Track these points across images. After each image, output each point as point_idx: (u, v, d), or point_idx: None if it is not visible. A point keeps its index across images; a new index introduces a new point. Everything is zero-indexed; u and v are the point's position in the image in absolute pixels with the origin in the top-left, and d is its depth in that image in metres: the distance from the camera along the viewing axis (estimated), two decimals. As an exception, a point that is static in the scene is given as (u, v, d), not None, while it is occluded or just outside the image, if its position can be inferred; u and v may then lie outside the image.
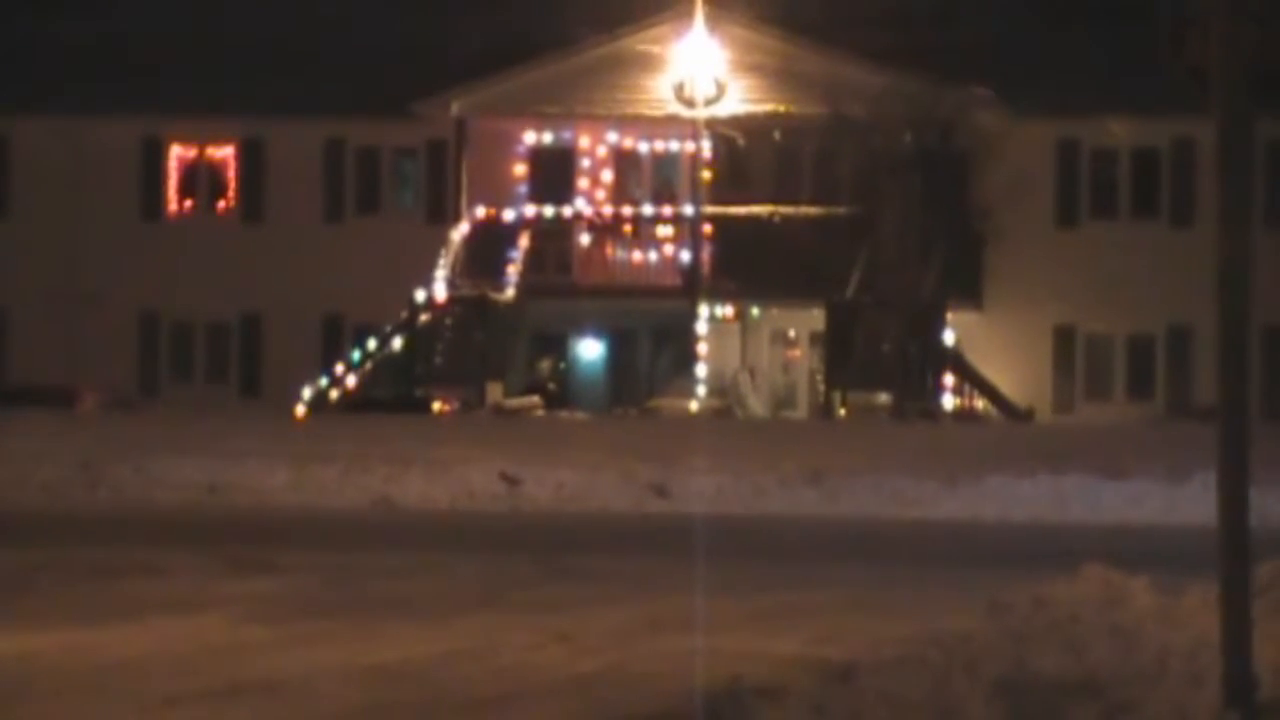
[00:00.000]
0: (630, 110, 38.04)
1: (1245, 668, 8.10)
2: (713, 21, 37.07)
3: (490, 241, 37.50)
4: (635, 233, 37.94)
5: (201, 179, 39.73)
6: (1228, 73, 8.17)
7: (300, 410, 35.44)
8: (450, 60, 37.64)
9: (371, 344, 36.80)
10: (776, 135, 38.10)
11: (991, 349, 36.91)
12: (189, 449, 23.45)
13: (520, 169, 38.82)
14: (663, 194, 38.74)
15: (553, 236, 37.80)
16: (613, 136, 38.74)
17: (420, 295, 36.69)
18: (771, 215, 37.17)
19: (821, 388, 37.05)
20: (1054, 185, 37.64)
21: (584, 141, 38.85)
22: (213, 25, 40.08)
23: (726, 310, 37.74)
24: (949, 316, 36.12)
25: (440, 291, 36.91)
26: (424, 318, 36.89)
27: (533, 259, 37.51)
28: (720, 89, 37.59)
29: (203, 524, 18.54)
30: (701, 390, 36.31)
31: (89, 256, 38.86)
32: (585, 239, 37.93)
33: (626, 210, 38.10)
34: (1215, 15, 8.18)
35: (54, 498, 21.32)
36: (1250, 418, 8.35)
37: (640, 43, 37.83)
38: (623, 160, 39.01)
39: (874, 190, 36.27)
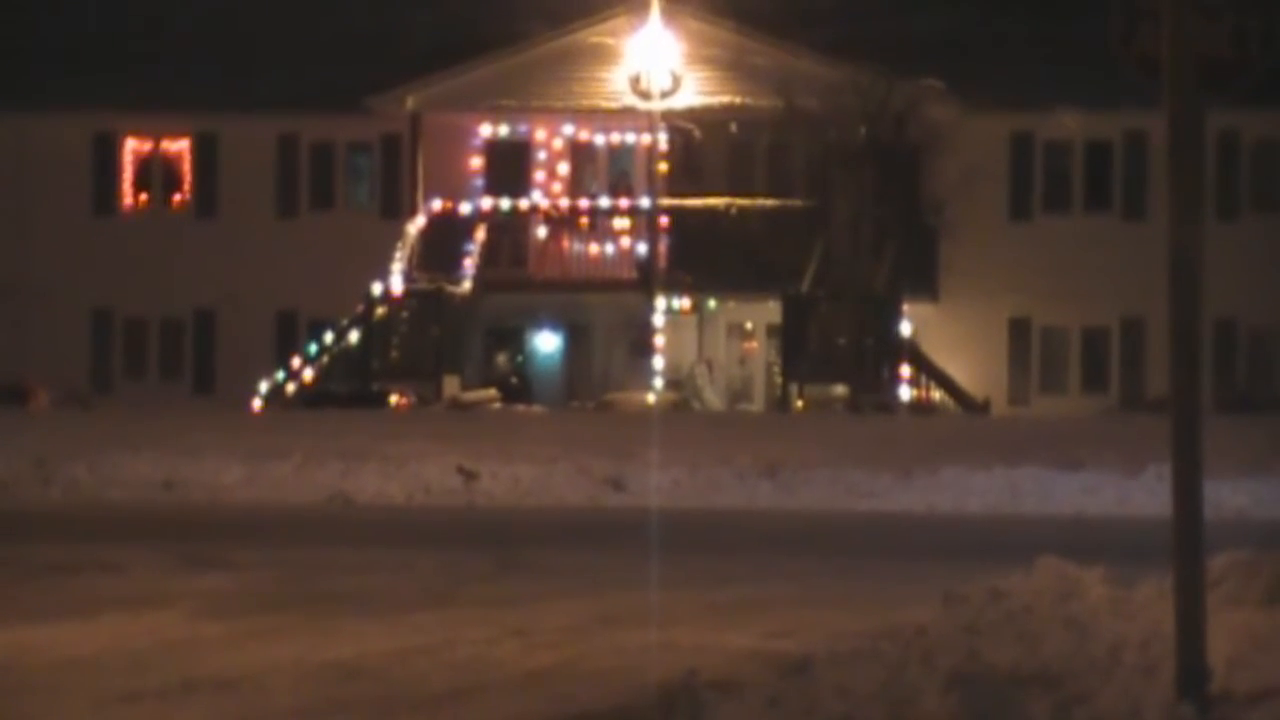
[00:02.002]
0: (586, 103, 38.00)
1: (1199, 660, 8.13)
2: (667, 14, 37.07)
3: (446, 235, 37.42)
4: (591, 225, 37.90)
5: (155, 174, 39.58)
6: (1178, 65, 8.20)
7: (256, 405, 35.33)
8: (404, 54, 37.56)
9: (328, 338, 36.70)
10: (732, 128, 38.11)
11: (947, 341, 36.97)
12: (143, 445, 23.35)
13: (476, 162, 38.76)
14: (619, 186, 38.72)
15: (509, 230, 37.74)
16: (568, 129, 38.71)
17: (376, 289, 36.60)
18: (727, 207, 37.17)
19: (778, 380, 37.09)
20: (1007, 178, 37.73)
21: (540, 134, 38.81)
22: (165, 20, 39.94)
23: (683, 303, 37.75)
24: (905, 309, 36.16)
25: (396, 285, 36.83)
26: (380, 311, 36.79)
27: (489, 252, 37.45)
28: (675, 81, 37.58)
29: (157, 521, 18.47)
30: (658, 383, 36.30)
31: (40, 252, 38.67)
32: (541, 232, 37.88)
33: (583, 203, 38.07)
34: (1165, 8, 8.21)
35: (6, 495, 21.22)
36: (1202, 410, 8.39)
37: (595, 35, 37.80)
38: (579, 153, 38.97)
39: (828, 183, 36.32)
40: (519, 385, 37.71)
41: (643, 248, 37.29)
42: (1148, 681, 8.53)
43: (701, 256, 36.69)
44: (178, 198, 39.58)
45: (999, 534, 17.50)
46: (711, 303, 38.26)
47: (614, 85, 37.84)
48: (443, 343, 36.85)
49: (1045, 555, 11.78)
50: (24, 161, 38.89)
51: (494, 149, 38.82)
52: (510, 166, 38.53)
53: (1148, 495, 19.41)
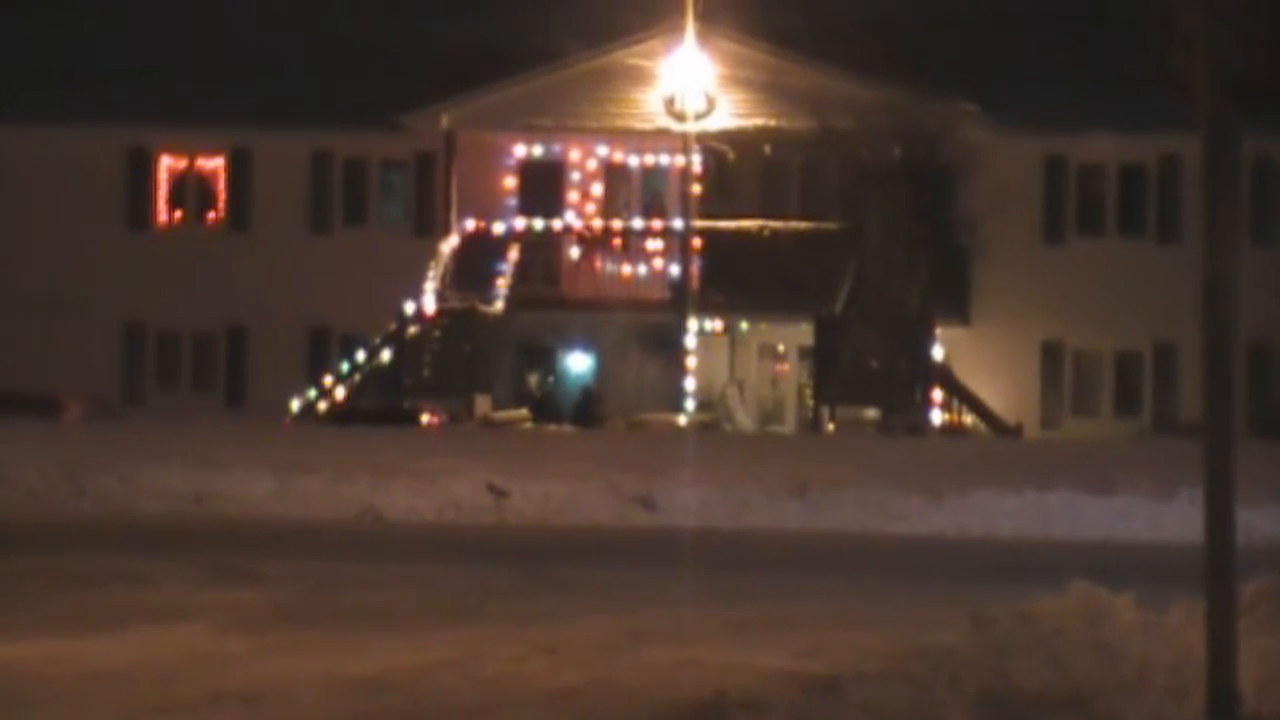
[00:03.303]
0: (620, 124, 38.02)
1: (1230, 683, 8.10)
2: (702, 36, 37.07)
3: (479, 254, 37.44)
4: (624, 246, 37.91)
5: (189, 189, 39.70)
6: (1214, 89, 8.17)
7: (288, 420, 35.39)
8: (439, 72, 37.60)
9: (360, 355, 36.75)
10: (765, 149, 38.10)
11: (979, 364, 36.88)
12: (174, 458, 23.36)
13: (510, 182, 38.79)
14: (652, 208, 38.72)
15: (542, 249, 37.77)
16: (602, 150, 38.73)
17: (409, 307, 36.65)
18: (760, 229, 37.15)
19: (810, 402, 37.03)
20: (1041, 201, 37.67)
21: (574, 155, 38.83)
22: (201, 37, 40.07)
23: (715, 324, 37.72)
24: (937, 331, 36.10)
25: (429, 304, 36.87)
26: (412, 330, 36.84)
27: (521, 272, 37.47)
28: (710, 103, 37.57)
29: (187, 533, 18.49)
30: (690, 404, 36.27)
31: (73, 266, 38.80)
32: (574, 252, 37.90)
33: (616, 224, 38.08)
34: (1202, 32, 8.19)
35: (39, 506, 21.25)
36: (1236, 435, 8.35)
37: (630, 57, 37.81)
38: (612, 174, 38.99)
39: (861, 204, 36.27)
40: (550, 402, 37.71)
41: (675, 269, 37.28)
42: (1178, 705, 8.50)
43: (734, 278, 36.66)
44: (211, 213, 39.68)
45: (1029, 557, 17.43)
46: (744, 324, 38.23)
47: (648, 106, 37.85)
48: (474, 361, 36.88)
49: (1076, 579, 11.74)
50: (59, 176, 39.03)
51: (528, 169, 38.85)
52: (544, 186, 38.55)
53: (1180, 520, 19.30)
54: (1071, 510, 21.31)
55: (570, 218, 38.25)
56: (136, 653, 10.38)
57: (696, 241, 37.21)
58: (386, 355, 36.80)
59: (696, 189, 37.61)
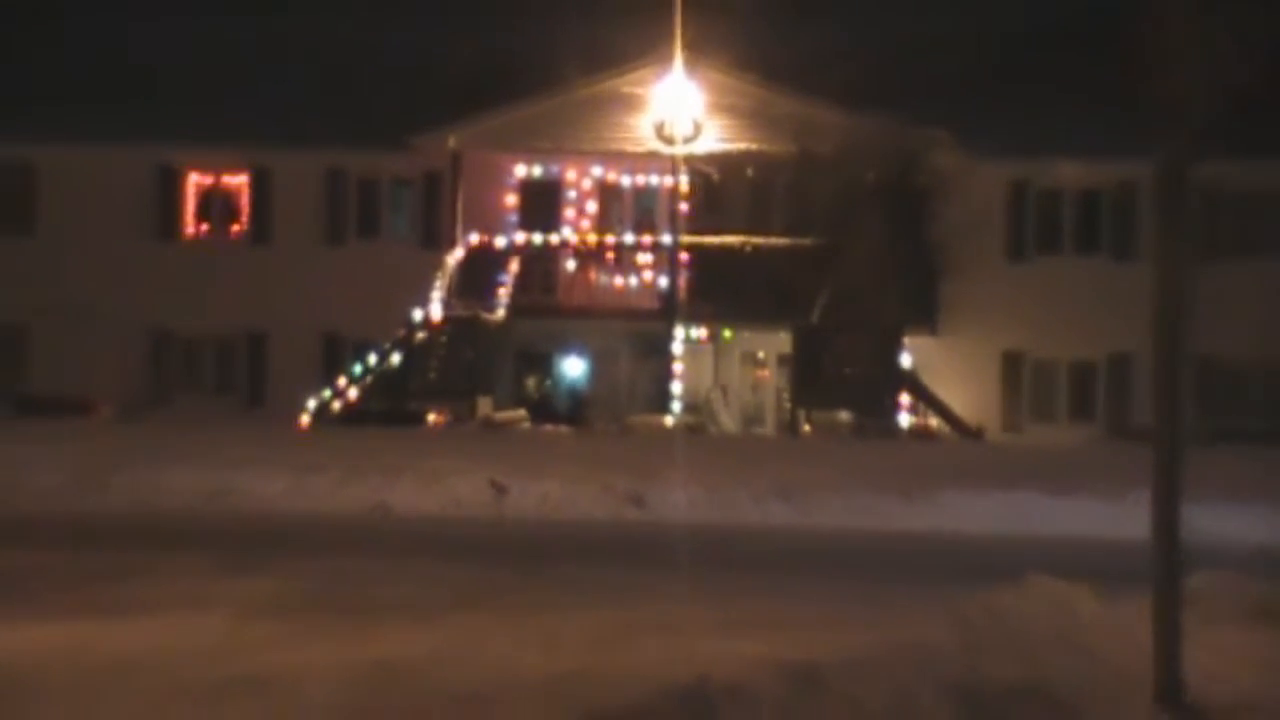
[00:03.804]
0: (614, 146, 38.00)
1: (1176, 673, 8.06)
2: (691, 66, 37.05)
3: (482, 266, 37.43)
4: (617, 259, 37.87)
5: (214, 205, 39.64)
6: (1180, 114, 8.12)
7: (304, 421, 35.33)
8: (447, 97, 37.66)
9: (371, 359, 36.71)
10: (749, 171, 38.08)
11: (945, 372, 36.89)
12: (193, 457, 23.30)
13: (511, 199, 38.78)
14: (643, 224, 38.70)
15: (540, 261, 37.73)
16: (597, 170, 38.73)
17: (417, 315, 36.62)
18: (744, 245, 37.13)
19: (788, 406, 36.99)
20: (1005, 222, 37.68)
21: (570, 174, 38.83)
22: (226, 62, 40.14)
23: (701, 332, 37.69)
24: (906, 341, 36.10)
25: (436, 311, 36.83)
26: (420, 336, 36.80)
27: (521, 282, 37.44)
28: (697, 128, 37.56)
29: (205, 528, 18.42)
30: (677, 407, 36.23)
31: (104, 276, 38.76)
32: (570, 264, 37.85)
33: (609, 239, 38.05)
34: (1172, 61, 8.14)
35: (67, 501, 21.19)
36: (1184, 441, 8.30)
37: (624, 84, 37.81)
38: (606, 192, 38.97)
39: (839, 223, 36.24)
40: (547, 405, 37.68)
41: (664, 281, 37.24)
42: (1131, 693, 8.45)
43: (719, 290, 36.64)
44: (234, 226, 39.64)
45: (995, 553, 17.39)
46: (727, 333, 38.19)
47: (640, 131, 37.82)
48: (477, 365, 36.83)
49: (1038, 574, 11.69)
50: (91, 191, 39.00)
51: (528, 187, 38.84)
52: (543, 203, 38.55)
53: (1131, 519, 19.23)
54: (1033, 510, 21.29)
55: (567, 233, 38.22)
56: (158, 640, 10.31)
57: (684, 256, 37.18)
58: (396, 359, 36.74)
59: (684, 207, 37.58)
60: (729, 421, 37.58)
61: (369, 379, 36.63)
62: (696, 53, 36.99)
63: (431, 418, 35.73)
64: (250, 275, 38.61)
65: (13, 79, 39.81)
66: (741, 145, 37.67)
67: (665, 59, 37.12)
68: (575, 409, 37.71)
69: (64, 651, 9.94)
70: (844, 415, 35.91)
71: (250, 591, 12.76)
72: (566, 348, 38.81)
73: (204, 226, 39.66)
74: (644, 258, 37.82)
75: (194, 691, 8.75)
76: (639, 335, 37.61)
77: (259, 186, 39.33)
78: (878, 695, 8.34)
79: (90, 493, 21.66)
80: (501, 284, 37.35)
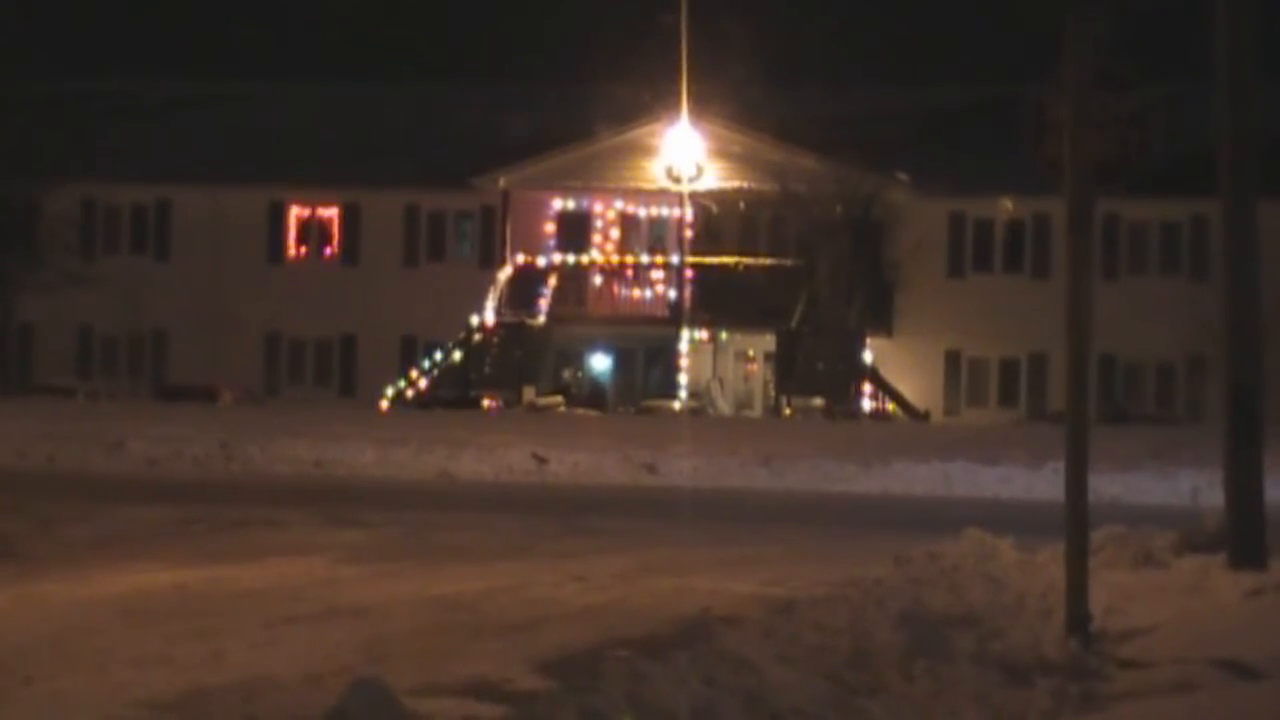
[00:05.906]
0: (632, 185, 38.17)
1: (1083, 607, 8.14)
2: (694, 120, 37.26)
3: (527, 281, 37.62)
4: (635, 276, 38.03)
5: (313, 233, 39.81)
6: (1075, 165, 8.21)
7: (384, 405, 35.49)
8: (499, 147, 37.89)
9: (438, 356, 36.87)
10: (741, 205, 38.19)
11: (899, 366, 37.00)
12: (300, 434, 23.39)
13: (550, 227, 38.92)
14: (656, 247, 38.83)
15: (573, 278, 37.89)
16: (619, 204, 38.86)
17: (475, 320, 36.80)
18: (737, 265, 37.29)
19: (772, 393, 37.11)
20: (946, 246, 37.75)
21: (598, 207, 38.94)
22: (327, 122, 40.36)
23: (702, 335, 37.79)
24: (868, 341, 36.25)
25: (490, 318, 37.02)
26: (477, 337, 36.99)
27: (558, 294, 37.62)
28: (700, 170, 37.73)
29: (310, 490, 18.52)
30: (682, 394, 36.38)
31: (228, 291, 38.96)
32: (598, 280, 38.00)
33: (628, 259, 38.20)
34: (1066, 122, 8.24)
35: (199, 469, 21.30)
36: (1088, 422, 8.40)
37: (640, 136, 38.00)
38: (626, 222, 39.10)
39: (812, 247, 36.41)
40: (579, 392, 37.74)
41: (673, 293, 37.37)
42: (1045, 623, 8.53)
43: (717, 301, 36.83)
44: (329, 250, 39.78)
45: (936, 511, 17.44)
46: (724, 335, 38.27)
47: (653, 172, 38.00)
48: (523, 361, 37.01)
49: (970, 528, 11.76)
50: (218, 224, 39.21)
51: (563, 218, 38.98)
52: (575, 231, 38.70)
53: (1047, 485, 19.30)
54: (967, 476, 21.31)
55: (595, 254, 38.34)
56: (273, 578, 10.41)
57: (689, 273, 37.32)
58: (458, 356, 36.90)
59: (689, 234, 37.73)
60: (725, 406, 37.68)
61: (436, 372, 36.81)
62: (699, 110, 37.19)
63: (487, 403, 35.87)
64: (342, 290, 38.78)
65: (152, 137, 39.85)
66: (735, 184, 37.82)
67: (674, 115, 37.29)
68: (601, 396, 37.83)
69: (210, 584, 10.06)
70: (817, 401, 36.03)
71: (346, 540, 12.85)
72: (594, 347, 38.93)
73: (304, 250, 39.80)
74: (656, 275, 37.95)
75: (310, 615, 8.86)
76: (652, 337, 37.73)
77: (349, 219, 39.50)
78: (838, 619, 8.44)
79: (223, 461, 21.76)
80: (542, 296, 37.49)
